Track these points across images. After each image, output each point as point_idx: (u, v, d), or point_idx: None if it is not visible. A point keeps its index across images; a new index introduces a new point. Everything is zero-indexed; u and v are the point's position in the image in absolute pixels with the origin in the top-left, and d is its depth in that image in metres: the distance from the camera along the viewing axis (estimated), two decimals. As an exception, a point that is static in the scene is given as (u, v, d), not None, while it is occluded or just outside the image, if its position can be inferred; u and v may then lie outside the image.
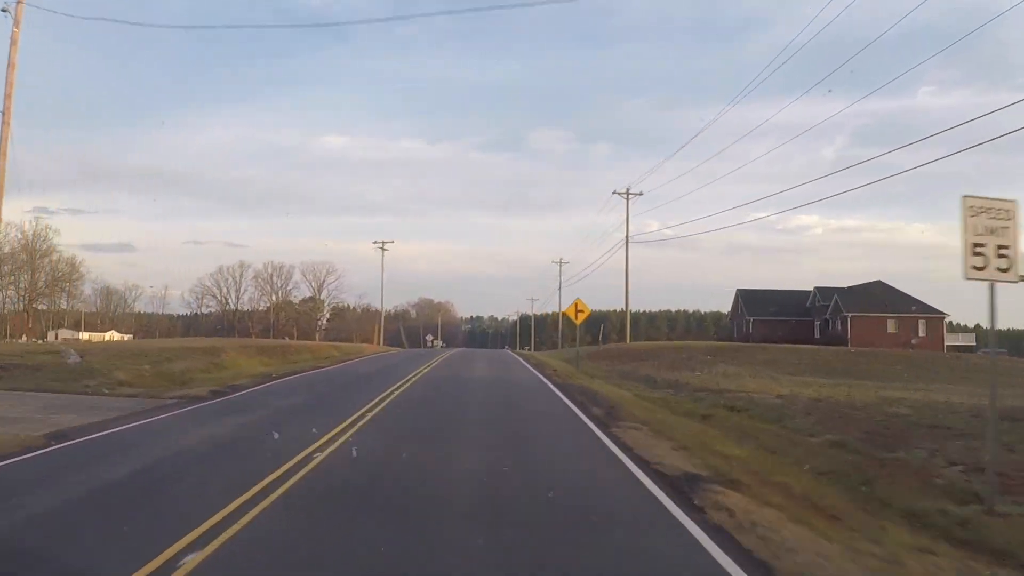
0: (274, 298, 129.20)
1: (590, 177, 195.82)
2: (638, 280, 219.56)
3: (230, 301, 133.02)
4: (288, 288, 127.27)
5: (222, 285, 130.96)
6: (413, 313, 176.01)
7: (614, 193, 49.80)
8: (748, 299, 72.66)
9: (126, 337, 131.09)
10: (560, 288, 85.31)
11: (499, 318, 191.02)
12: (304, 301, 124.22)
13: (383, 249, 74.14)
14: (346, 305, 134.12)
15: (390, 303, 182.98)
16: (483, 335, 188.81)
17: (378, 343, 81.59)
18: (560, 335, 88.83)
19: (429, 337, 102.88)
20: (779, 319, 70.13)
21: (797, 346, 47.53)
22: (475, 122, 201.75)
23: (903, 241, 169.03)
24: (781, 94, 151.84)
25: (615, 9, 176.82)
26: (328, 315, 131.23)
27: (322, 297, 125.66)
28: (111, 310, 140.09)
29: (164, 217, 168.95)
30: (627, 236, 47.90)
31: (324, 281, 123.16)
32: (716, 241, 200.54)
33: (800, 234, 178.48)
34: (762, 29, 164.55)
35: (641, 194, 49.42)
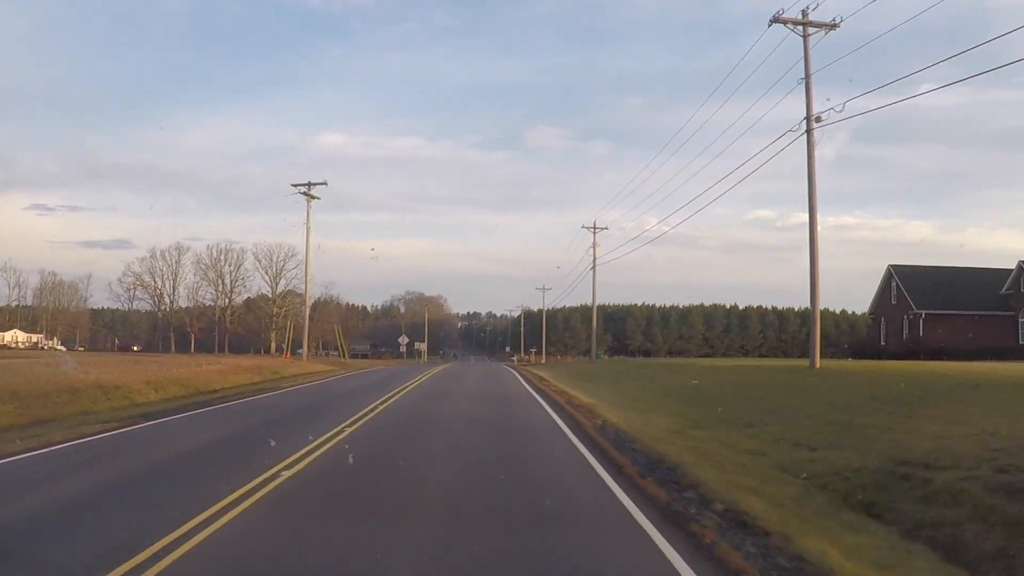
0: (221, 289, 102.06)
1: (589, 175, 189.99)
2: (644, 277, 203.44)
3: (166, 294, 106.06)
4: (240, 277, 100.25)
5: (156, 275, 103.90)
6: (402, 308, 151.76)
7: (773, 22, 22.06)
8: (911, 280, 44.80)
9: (33, 338, 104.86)
10: (594, 267, 58.22)
11: (498, 315, 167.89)
12: (284, 296, 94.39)
13: (309, 196, 45.84)
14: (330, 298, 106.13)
15: (378, 299, 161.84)
16: (480, 334, 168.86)
17: (291, 353, 53.36)
18: (594, 338, 61.64)
19: (403, 339, 74.82)
20: (964, 314, 43.14)
21: None
22: (474, 120, 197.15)
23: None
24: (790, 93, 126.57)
25: (614, 7, 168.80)
26: (309, 311, 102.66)
27: (280, 287, 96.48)
28: (22, 304, 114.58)
29: (163, 214, 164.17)
30: (809, 108, 21.22)
31: (282, 268, 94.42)
32: (716, 240, 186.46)
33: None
34: (762, 29, 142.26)
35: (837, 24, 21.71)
